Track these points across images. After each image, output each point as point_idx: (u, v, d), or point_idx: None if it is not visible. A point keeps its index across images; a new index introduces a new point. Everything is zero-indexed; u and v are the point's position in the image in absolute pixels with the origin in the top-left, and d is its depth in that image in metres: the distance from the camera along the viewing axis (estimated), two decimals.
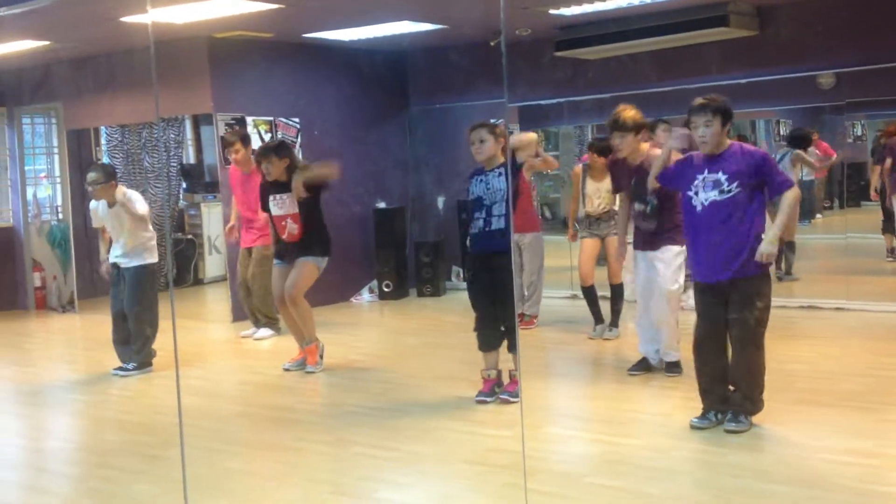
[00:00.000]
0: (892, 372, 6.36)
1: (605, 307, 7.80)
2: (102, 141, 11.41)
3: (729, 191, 4.98)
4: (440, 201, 10.92)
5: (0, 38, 8.43)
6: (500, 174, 5.84)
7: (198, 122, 12.42)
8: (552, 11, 8.40)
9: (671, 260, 6.24)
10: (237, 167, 8.49)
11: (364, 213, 10.49)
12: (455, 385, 6.35)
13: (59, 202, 11.11)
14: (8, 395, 7.08)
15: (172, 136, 11.96)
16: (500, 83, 9.29)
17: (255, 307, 8.49)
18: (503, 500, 4.39)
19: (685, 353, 5.84)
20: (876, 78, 8.46)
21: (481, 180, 5.91)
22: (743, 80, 8.91)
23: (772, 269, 5.20)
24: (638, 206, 6.30)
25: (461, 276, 10.76)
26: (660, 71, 9.25)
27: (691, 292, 5.77)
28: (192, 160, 12.90)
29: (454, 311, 9.45)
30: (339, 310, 9.93)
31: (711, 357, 5.17)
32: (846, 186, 10.16)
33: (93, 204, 7.32)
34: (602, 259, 7.88)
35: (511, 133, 10.92)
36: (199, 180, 12.78)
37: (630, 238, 6.59)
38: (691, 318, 5.40)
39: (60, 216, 11.09)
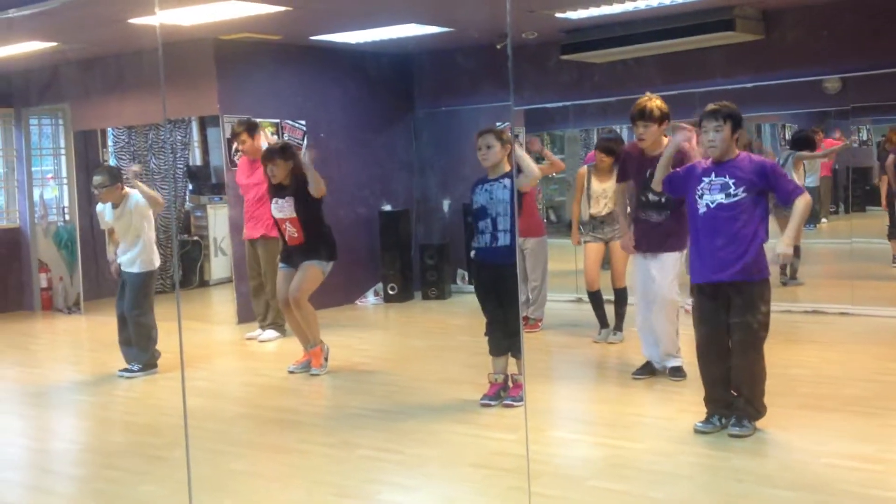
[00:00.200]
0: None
1: (610, 311, 7.81)
2: (109, 142, 11.45)
3: (735, 195, 4.99)
4: (445, 204, 10.93)
5: (8, 39, 8.47)
6: (504, 186, 5.79)
7: (204, 123, 12.43)
8: (558, 15, 8.42)
9: (669, 267, 6.23)
10: (245, 156, 8.50)
11: (369, 215, 10.51)
12: (460, 388, 6.36)
13: (66, 203, 11.14)
14: (13, 396, 7.10)
15: (179, 137, 11.99)
16: (506, 86, 9.32)
17: (266, 305, 8.48)
18: (507, 503, 4.40)
19: (689, 357, 5.84)
20: (882, 82, 8.46)
21: (486, 189, 5.88)
22: (749, 85, 8.92)
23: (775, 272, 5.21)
24: (653, 197, 6.20)
25: (466, 279, 10.77)
26: (666, 75, 9.25)
27: None
28: (198, 162, 12.92)
29: (459, 314, 9.47)
30: (344, 312, 9.94)
31: (713, 361, 5.18)
32: (851, 191, 10.16)
33: (99, 206, 7.34)
34: (606, 263, 7.88)
35: (516, 137, 10.96)
36: (205, 182, 12.80)
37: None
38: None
39: (67, 217, 11.12)
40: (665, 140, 6.18)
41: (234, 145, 8.82)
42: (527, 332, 8.16)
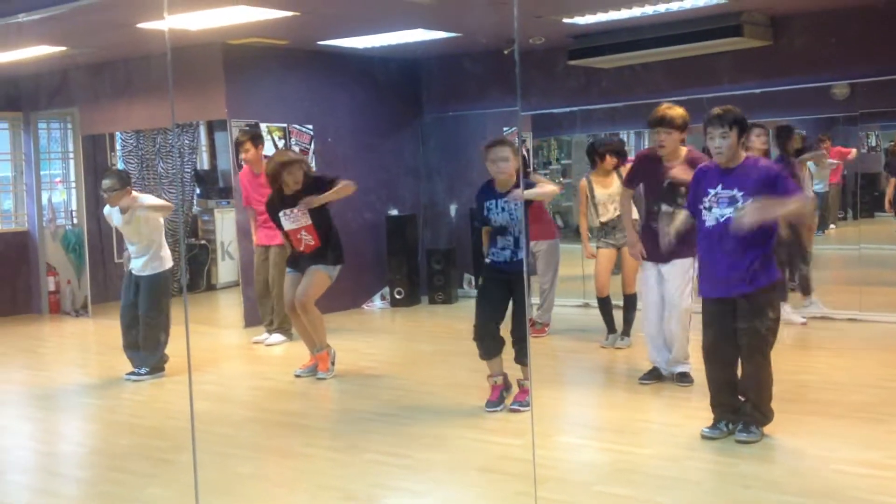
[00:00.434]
0: None
1: (618, 316, 7.80)
2: (117, 146, 11.48)
3: (745, 207, 4.95)
4: (452, 209, 10.94)
5: (18, 43, 8.49)
6: (517, 203, 5.73)
7: (212, 128, 12.47)
8: (566, 20, 8.42)
9: (682, 274, 6.21)
10: (248, 166, 8.53)
11: (376, 220, 10.52)
12: (467, 393, 6.35)
13: (74, 207, 11.17)
14: (21, 399, 7.11)
15: (187, 141, 12.02)
16: (514, 91, 9.30)
17: (271, 310, 8.50)
18: None
19: (696, 363, 5.83)
20: (890, 88, 8.44)
21: (503, 209, 5.80)
22: (757, 90, 8.91)
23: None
24: (666, 209, 6.15)
25: (473, 283, 10.77)
26: (673, 80, 9.25)
27: None
28: (206, 166, 12.95)
29: (466, 318, 9.42)
30: (351, 316, 9.95)
31: (720, 366, 5.17)
32: (860, 197, 10.13)
33: (106, 209, 7.35)
34: (617, 268, 7.87)
35: (524, 141, 10.97)
36: (212, 186, 12.83)
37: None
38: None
39: (75, 221, 11.15)
40: (684, 150, 6.15)
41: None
42: (533, 337, 8.15)
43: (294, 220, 6.98)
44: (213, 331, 9.59)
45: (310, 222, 6.93)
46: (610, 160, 7.75)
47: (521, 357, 5.82)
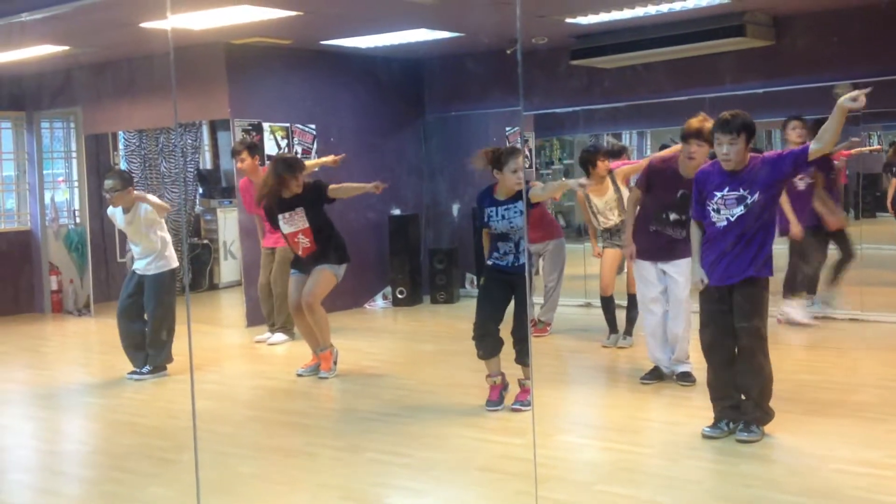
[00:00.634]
0: None
1: (621, 316, 7.80)
2: (120, 146, 11.50)
3: (753, 201, 4.96)
4: (455, 209, 10.95)
5: (21, 43, 8.51)
6: (520, 211, 5.75)
7: (215, 127, 12.48)
8: (568, 20, 8.42)
9: (686, 273, 6.21)
10: (246, 177, 8.53)
11: (379, 219, 10.52)
12: (468, 392, 6.36)
13: (77, 206, 11.19)
14: (23, 398, 7.12)
15: (189, 141, 12.03)
16: (516, 91, 9.33)
17: (273, 311, 8.52)
18: None
19: (698, 362, 5.84)
20: (892, 89, 8.42)
21: (503, 216, 5.82)
22: (759, 90, 8.91)
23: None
24: (674, 217, 6.21)
25: (475, 283, 10.78)
26: (676, 80, 9.26)
27: None
28: (208, 166, 12.97)
29: (468, 318, 9.38)
30: (353, 316, 9.96)
31: (719, 363, 5.18)
32: (861, 197, 10.12)
33: (110, 210, 7.36)
34: (621, 268, 7.88)
35: (526, 141, 10.98)
36: (215, 186, 12.85)
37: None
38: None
39: (78, 220, 11.17)
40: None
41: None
42: (535, 337, 8.16)
43: (292, 223, 6.99)
44: (216, 330, 9.60)
45: (307, 225, 6.94)
46: (602, 165, 7.73)
47: (522, 357, 5.83)
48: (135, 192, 7.20)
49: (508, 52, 9.23)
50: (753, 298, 5.02)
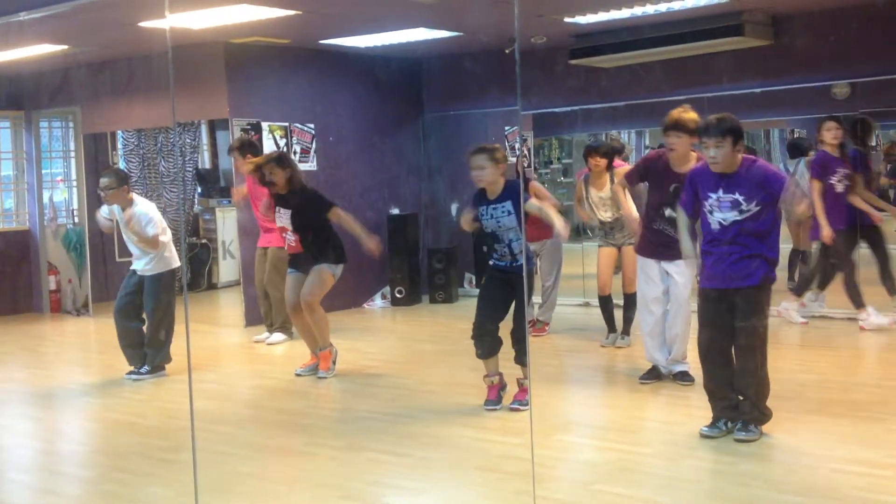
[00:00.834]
0: None
1: (619, 315, 7.80)
2: (119, 145, 11.50)
3: (749, 210, 4.95)
4: (453, 208, 10.94)
5: (19, 42, 8.50)
6: (508, 211, 5.76)
7: (214, 127, 12.49)
8: (567, 20, 8.43)
9: (688, 273, 6.21)
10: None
11: (377, 219, 10.52)
12: (466, 392, 6.36)
13: (76, 206, 11.18)
14: (22, 398, 7.12)
15: (188, 140, 12.04)
16: (515, 91, 9.33)
17: (270, 310, 8.53)
18: None
19: (696, 362, 5.84)
20: (890, 88, 8.45)
21: (492, 216, 5.83)
22: (757, 90, 8.92)
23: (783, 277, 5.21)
24: (670, 213, 6.17)
25: (473, 282, 10.79)
26: (674, 80, 9.26)
27: None
28: (207, 165, 12.97)
29: (466, 317, 9.40)
30: (352, 315, 9.96)
31: (717, 364, 5.18)
32: None
33: (104, 209, 7.34)
34: (618, 268, 7.88)
35: (524, 140, 10.98)
36: (214, 185, 12.85)
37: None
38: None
39: (76, 220, 11.17)
40: (693, 155, 6.14)
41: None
42: (534, 336, 8.17)
43: (281, 219, 7.06)
44: (214, 330, 9.60)
45: (292, 227, 6.98)
46: (600, 162, 7.74)
47: (521, 357, 5.83)
48: (133, 195, 7.18)
49: (507, 51, 9.23)
50: (754, 300, 5.01)
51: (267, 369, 7.64)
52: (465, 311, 9.87)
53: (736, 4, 8.09)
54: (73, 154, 11.18)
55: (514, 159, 10.20)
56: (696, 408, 5.61)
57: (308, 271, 7.05)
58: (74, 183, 11.19)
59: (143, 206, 7.14)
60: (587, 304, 9.50)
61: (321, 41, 9.43)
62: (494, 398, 5.97)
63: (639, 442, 5.32)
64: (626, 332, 7.77)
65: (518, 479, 4.62)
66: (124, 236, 7.28)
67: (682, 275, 6.23)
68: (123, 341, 7.30)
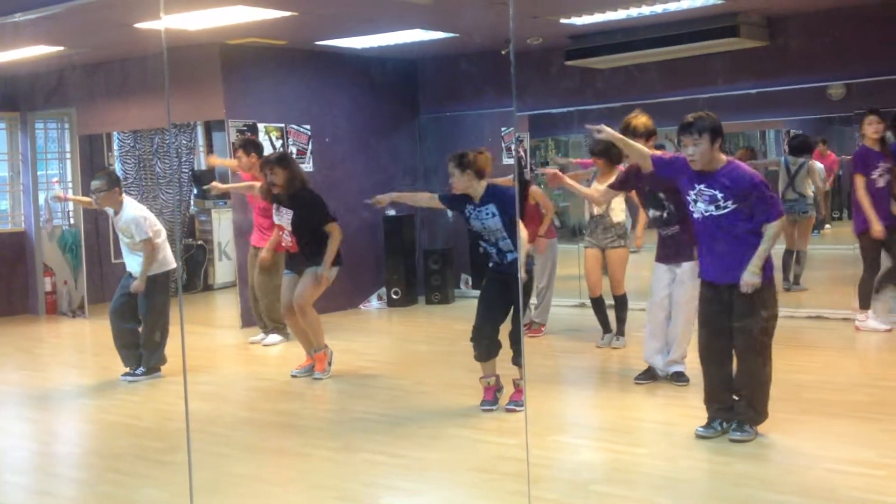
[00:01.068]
0: None
1: (612, 316, 7.80)
2: (115, 146, 11.49)
3: (726, 206, 4.98)
4: (449, 210, 10.92)
5: (15, 43, 8.50)
6: (492, 213, 5.80)
7: (210, 128, 12.47)
8: (563, 21, 8.43)
9: (693, 276, 6.21)
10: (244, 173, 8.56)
11: (374, 220, 10.52)
12: (462, 393, 6.36)
13: (71, 207, 11.16)
14: (18, 400, 7.11)
15: (184, 141, 12.02)
16: (510, 91, 9.34)
17: (262, 313, 8.53)
18: None
19: (692, 362, 5.85)
20: (886, 89, 8.45)
21: (476, 217, 5.88)
22: (753, 91, 8.93)
23: (778, 278, 5.20)
24: (653, 213, 6.28)
25: (469, 283, 10.78)
26: (670, 81, 9.27)
27: None
28: (203, 166, 12.95)
29: (463, 318, 9.45)
30: (348, 316, 9.96)
31: (715, 365, 5.19)
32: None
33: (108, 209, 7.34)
34: (605, 269, 7.87)
35: (521, 141, 10.98)
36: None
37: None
38: None
39: (72, 221, 11.15)
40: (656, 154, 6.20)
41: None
42: (530, 337, 8.18)
43: (282, 218, 7.06)
44: (210, 331, 9.59)
45: (291, 228, 6.98)
46: (597, 161, 7.74)
47: (517, 358, 5.83)
48: (125, 197, 7.17)
49: (503, 52, 9.24)
50: (751, 300, 5.02)
51: (262, 371, 7.63)
52: (461, 312, 9.88)
53: (731, 6, 8.10)
54: (68, 155, 11.17)
55: (512, 160, 10.21)
56: (691, 408, 5.62)
57: (303, 273, 7.05)
58: (70, 184, 11.16)
59: (133, 211, 7.10)
60: (583, 305, 9.48)
61: (317, 42, 9.43)
62: (491, 399, 5.98)
63: (634, 442, 5.32)
64: (620, 332, 7.76)
65: (514, 479, 4.62)
66: (119, 234, 7.26)
67: (687, 278, 6.22)
68: (119, 342, 7.30)
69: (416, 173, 11.11)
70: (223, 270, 12.21)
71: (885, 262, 7.83)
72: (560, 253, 8.61)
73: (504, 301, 5.91)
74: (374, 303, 10.59)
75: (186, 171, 12.24)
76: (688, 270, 6.20)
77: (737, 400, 5.15)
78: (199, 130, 12.52)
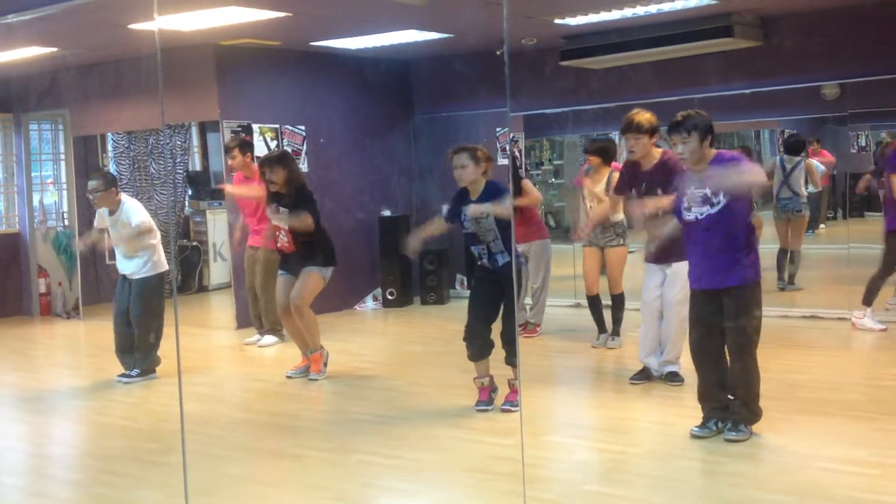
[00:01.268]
0: (892, 382, 6.37)
1: (608, 316, 7.81)
2: (109, 147, 11.46)
3: (719, 202, 5.00)
4: (444, 210, 10.91)
5: (8, 44, 8.48)
6: (487, 214, 5.80)
7: (204, 129, 12.46)
8: (557, 21, 8.44)
9: (680, 275, 6.22)
10: (239, 172, 8.54)
11: (368, 220, 10.52)
12: (457, 393, 6.37)
13: (65, 208, 11.16)
14: (12, 401, 7.10)
15: (179, 142, 12.01)
16: (505, 92, 9.33)
17: (260, 313, 8.52)
18: None
19: (687, 362, 5.85)
20: (880, 89, 8.47)
21: (472, 217, 5.87)
22: (747, 91, 8.94)
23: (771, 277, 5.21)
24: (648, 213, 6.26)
25: (465, 284, 10.78)
26: (664, 81, 9.28)
27: None
28: (197, 167, 12.94)
29: (458, 319, 9.42)
30: (343, 317, 9.95)
31: (708, 364, 5.20)
32: (849, 197, 10.17)
33: (99, 210, 7.33)
34: (604, 269, 7.88)
35: (516, 141, 10.99)
36: (204, 187, 12.81)
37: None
38: None
39: (66, 222, 11.13)
40: (657, 152, 6.23)
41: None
42: (525, 338, 8.18)
43: (277, 218, 7.05)
44: (205, 332, 9.58)
45: (288, 227, 6.98)
46: (592, 160, 7.77)
47: (511, 358, 5.83)
48: (122, 195, 7.17)
49: (497, 52, 9.23)
50: (742, 301, 5.03)
51: (258, 371, 7.63)
52: (456, 312, 9.87)
53: (725, 6, 8.11)
54: (62, 157, 11.15)
55: (507, 161, 10.22)
56: (686, 408, 5.62)
57: (298, 273, 7.04)
58: (64, 185, 11.16)
59: (132, 203, 7.17)
60: (578, 305, 9.50)
61: (311, 43, 9.43)
62: (486, 400, 5.98)
63: (629, 442, 5.33)
64: (616, 332, 7.77)
65: (508, 479, 4.62)
66: (113, 238, 7.24)
67: (677, 279, 6.22)
68: (120, 346, 7.27)
69: (410, 174, 11.11)
70: (218, 271, 12.20)
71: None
72: (554, 253, 8.61)
73: (494, 300, 5.90)
74: (369, 303, 10.58)
75: (181, 172, 12.22)
76: (678, 270, 6.20)
77: (732, 399, 5.16)
78: (194, 131, 12.51)
